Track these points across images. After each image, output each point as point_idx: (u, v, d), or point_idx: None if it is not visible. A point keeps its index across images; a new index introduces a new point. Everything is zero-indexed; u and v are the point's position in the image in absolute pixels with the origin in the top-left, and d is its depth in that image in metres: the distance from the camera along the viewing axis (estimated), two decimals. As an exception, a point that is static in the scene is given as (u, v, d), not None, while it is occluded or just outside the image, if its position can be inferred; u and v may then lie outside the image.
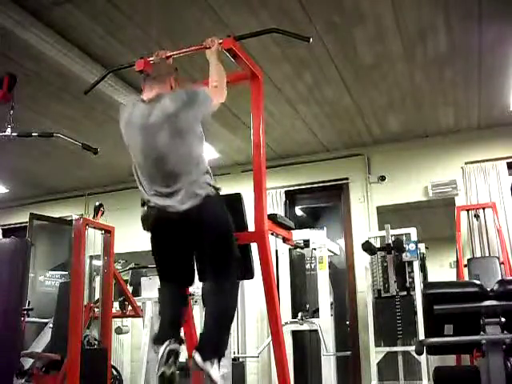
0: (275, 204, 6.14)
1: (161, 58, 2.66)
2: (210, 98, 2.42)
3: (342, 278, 5.91)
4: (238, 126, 5.31)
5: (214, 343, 2.30)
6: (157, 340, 2.30)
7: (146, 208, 2.39)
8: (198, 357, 2.20)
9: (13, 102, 3.50)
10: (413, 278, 5.03)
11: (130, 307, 4.77)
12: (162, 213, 2.31)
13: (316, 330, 4.77)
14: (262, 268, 2.55)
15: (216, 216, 2.36)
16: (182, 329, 2.52)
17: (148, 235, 2.45)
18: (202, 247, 2.39)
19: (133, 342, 6.27)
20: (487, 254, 5.27)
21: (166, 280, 2.50)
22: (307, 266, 5.35)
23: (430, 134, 5.80)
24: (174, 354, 2.22)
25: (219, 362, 2.27)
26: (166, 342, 2.22)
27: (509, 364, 2.38)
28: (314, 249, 5.10)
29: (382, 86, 4.71)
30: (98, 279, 4.61)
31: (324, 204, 7.19)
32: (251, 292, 5.45)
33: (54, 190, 7.38)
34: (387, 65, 4.35)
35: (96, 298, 4.43)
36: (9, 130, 3.55)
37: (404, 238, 5.20)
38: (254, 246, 2.61)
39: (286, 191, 6.25)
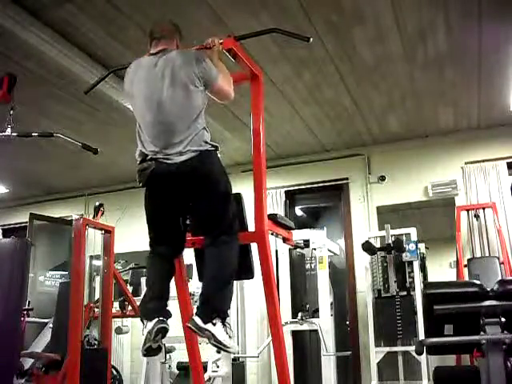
0: (275, 204, 6.14)
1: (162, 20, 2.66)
2: (216, 71, 2.42)
3: (341, 278, 5.91)
4: (238, 126, 5.31)
5: (214, 301, 2.26)
6: (147, 315, 2.26)
7: (143, 163, 2.34)
8: (197, 319, 2.17)
9: (13, 102, 3.50)
10: (413, 278, 5.03)
11: (129, 307, 4.77)
12: (160, 165, 2.28)
13: (316, 330, 4.77)
14: (261, 268, 2.54)
15: (214, 169, 2.36)
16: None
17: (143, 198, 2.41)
18: (198, 201, 2.35)
19: (133, 342, 6.27)
20: (487, 254, 5.27)
21: (157, 243, 2.43)
22: (307, 266, 5.35)
23: (429, 134, 5.80)
24: (162, 331, 2.19)
25: (224, 321, 2.22)
26: (155, 320, 2.18)
27: (509, 364, 2.38)
28: (314, 249, 5.10)
29: (382, 86, 4.71)
30: (97, 279, 4.61)
31: (324, 204, 7.20)
32: (251, 292, 5.46)
33: (54, 190, 7.39)
34: (387, 65, 4.35)
35: (96, 298, 4.43)
36: (9, 130, 3.55)
37: (404, 238, 5.20)
38: (254, 246, 2.61)
39: (285, 191, 6.25)
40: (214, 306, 2.24)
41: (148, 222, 2.45)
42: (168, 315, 2.28)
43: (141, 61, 2.51)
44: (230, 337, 2.23)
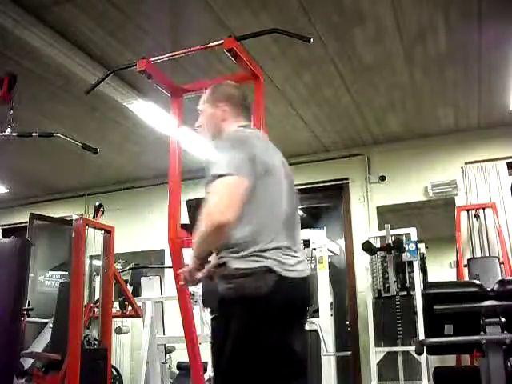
0: (275, 204, 6.13)
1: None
2: None
3: (341, 278, 5.91)
4: (238, 126, 5.29)
5: None
6: None
7: (275, 274, 1.72)
8: None
9: (13, 102, 3.49)
10: (413, 278, 5.03)
11: (130, 307, 4.76)
12: (299, 281, 1.80)
13: (316, 330, 4.76)
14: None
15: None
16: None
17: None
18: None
19: (133, 342, 6.28)
20: (487, 254, 5.26)
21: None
22: (307, 266, 5.34)
23: (430, 134, 5.80)
24: None
25: None
26: None
27: (509, 364, 2.38)
28: (314, 249, 5.09)
29: (382, 85, 4.71)
30: (98, 279, 4.60)
31: (324, 204, 7.19)
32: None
33: (54, 190, 7.38)
34: (387, 65, 4.35)
35: (96, 298, 4.43)
36: (9, 129, 3.55)
37: (404, 238, 5.19)
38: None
39: (286, 191, 6.23)
40: None
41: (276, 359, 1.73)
42: None
43: (260, 138, 2.04)
44: None
